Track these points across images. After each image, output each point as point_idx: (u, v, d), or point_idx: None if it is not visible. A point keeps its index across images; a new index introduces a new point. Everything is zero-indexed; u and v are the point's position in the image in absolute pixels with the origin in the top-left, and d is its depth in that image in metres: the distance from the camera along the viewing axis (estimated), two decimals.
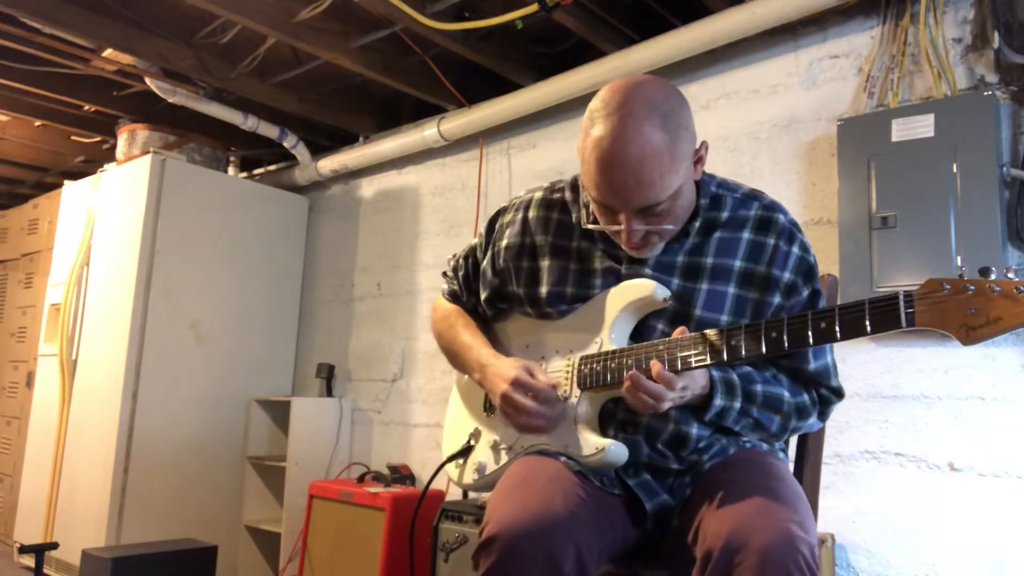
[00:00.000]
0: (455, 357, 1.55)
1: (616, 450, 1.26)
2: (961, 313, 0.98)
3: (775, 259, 1.32)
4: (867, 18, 2.37)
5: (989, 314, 0.96)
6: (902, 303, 1.04)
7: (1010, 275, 0.97)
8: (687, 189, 1.29)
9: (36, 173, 5.00)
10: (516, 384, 1.32)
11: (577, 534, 1.16)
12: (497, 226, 1.55)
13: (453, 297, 1.64)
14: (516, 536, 1.14)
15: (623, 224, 1.26)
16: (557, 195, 1.48)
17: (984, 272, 0.99)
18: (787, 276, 1.32)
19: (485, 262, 1.54)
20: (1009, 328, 0.96)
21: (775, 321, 1.17)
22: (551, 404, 1.31)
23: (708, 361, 1.19)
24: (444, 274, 1.68)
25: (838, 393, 1.37)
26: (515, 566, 1.13)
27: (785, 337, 1.15)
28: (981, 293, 0.97)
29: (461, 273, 1.61)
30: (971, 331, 0.97)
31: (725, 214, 1.36)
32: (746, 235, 1.34)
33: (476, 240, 1.60)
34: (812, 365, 1.33)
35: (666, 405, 1.22)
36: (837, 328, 1.10)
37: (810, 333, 1.13)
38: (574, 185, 1.47)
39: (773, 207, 1.38)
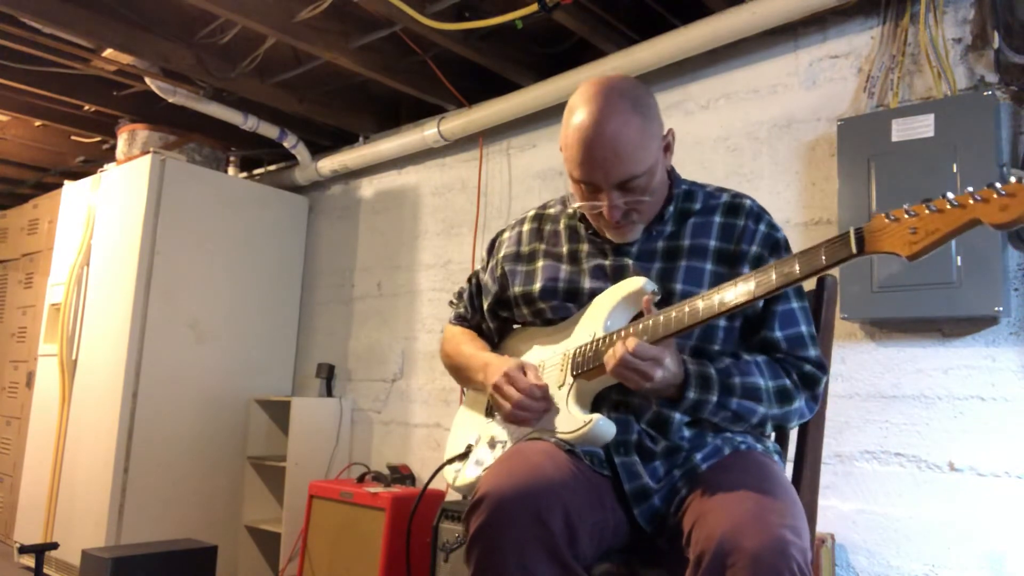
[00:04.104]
0: (460, 370, 1.61)
1: (603, 424, 1.29)
2: (904, 234, 1.07)
3: (744, 236, 1.41)
4: (867, 18, 2.37)
5: (927, 228, 1.05)
6: (852, 235, 1.11)
7: (948, 194, 1.04)
8: (659, 170, 1.40)
9: (36, 173, 5.00)
10: (507, 376, 1.39)
11: (565, 497, 1.20)
12: (497, 243, 1.66)
13: (460, 320, 1.72)
14: (504, 495, 1.18)
15: (605, 200, 1.36)
16: (550, 211, 1.61)
17: (925, 200, 1.07)
18: (754, 249, 1.39)
19: (487, 275, 1.64)
20: (945, 236, 1.03)
21: (744, 277, 1.23)
22: (535, 400, 1.37)
23: (686, 322, 1.24)
24: (450, 303, 1.77)
25: (819, 365, 1.37)
26: (504, 524, 1.16)
27: (752, 283, 1.20)
28: (918, 214, 1.06)
29: (466, 295, 1.71)
30: (913, 246, 1.06)
31: (698, 204, 1.47)
32: (717, 219, 1.44)
33: (479, 265, 1.70)
34: (780, 333, 1.36)
35: (641, 373, 1.23)
36: (796, 266, 1.16)
37: (773, 275, 1.19)
38: (563, 201, 1.60)
39: (740, 195, 1.48)
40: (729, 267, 1.39)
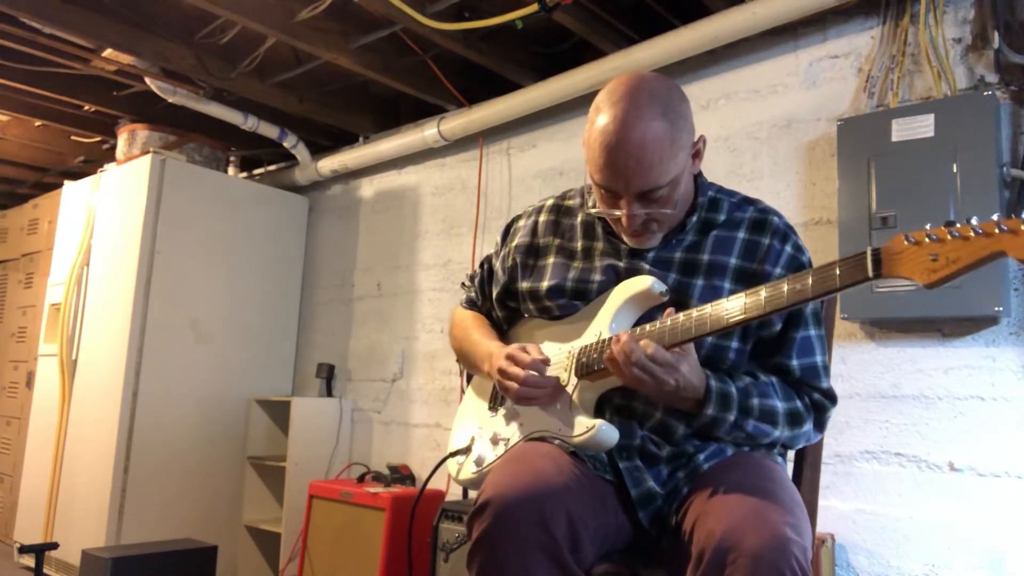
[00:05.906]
0: (467, 356, 1.60)
1: (607, 429, 1.28)
2: (924, 260, 1.02)
3: (768, 256, 1.36)
4: (867, 18, 2.37)
5: (948, 256, 0.99)
6: (869, 256, 1.07)
7: (972, 220, 0.99)
8: (685, 179, 1.35)
9: (36, 173, 5.00)
10: (510, 357, 1.38)
11: (569, 502, 1.19)
12: (512, 230, 1.63)
13: (470, 304, 1.70)
14: (508, 501, 1.17)
15: (624, 208, 1.31)
16: (568, 202, 1.57)
17: (948, 224, 1.02)
18: (777, 272, 1.35)
19: (498, 262, 1.61)
20: (967, 266, 0.98)
21: (754, 289, 1.20)
22: (542, 374, 1.35)
23: (693, 332, 1.22)
24: (463, 284, 1.75)
25: (830, 396, 1.37)
26: (507, 529, 1.16)
27: (763, 295, 1.17)
28: (941, 240, 1.01)
29: (477, 280, 1.68)
30: (932, 274, 1.01)
31: (722, 216, 1.42)
32: (741, 235, 1.39)
33: (493, 248, 1.67)
34: (795, 361, 1.34)
35: (655, 378, 1.21)
36: (809, 281, 1.13)
37: (785, 289, 1.15)
38: (582, 193, 1.55)
39: (768, 211, 1.43)
40: (748, 287, 1.33)
